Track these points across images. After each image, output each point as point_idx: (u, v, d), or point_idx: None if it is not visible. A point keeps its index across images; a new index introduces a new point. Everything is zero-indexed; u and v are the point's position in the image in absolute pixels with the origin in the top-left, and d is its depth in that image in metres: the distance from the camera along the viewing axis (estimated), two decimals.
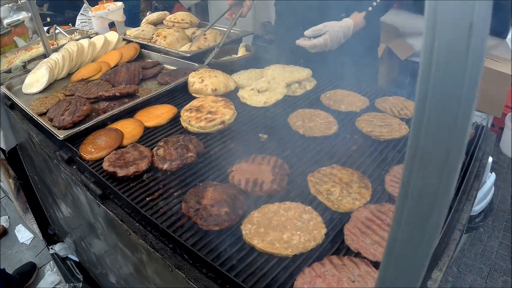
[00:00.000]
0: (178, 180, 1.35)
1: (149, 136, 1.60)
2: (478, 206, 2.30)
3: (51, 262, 2.51)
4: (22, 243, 2.68)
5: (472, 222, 2.38)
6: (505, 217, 2.94)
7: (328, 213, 1.19)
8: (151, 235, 1.21)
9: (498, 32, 3.12)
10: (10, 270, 2.40)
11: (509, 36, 3.15)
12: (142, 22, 2.45)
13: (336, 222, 1.17)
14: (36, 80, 2.00)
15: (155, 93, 1.75)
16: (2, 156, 2.22)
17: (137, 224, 1.25)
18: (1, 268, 2.25)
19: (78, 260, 2.41)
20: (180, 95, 1.84)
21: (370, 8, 1.83)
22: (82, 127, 1.60)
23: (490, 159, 2.24)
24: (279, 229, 1.11)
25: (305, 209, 1.17)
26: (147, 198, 1.29)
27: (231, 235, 1.14)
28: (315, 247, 1.07)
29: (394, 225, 0.48)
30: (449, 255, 1.15)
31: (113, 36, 2.26)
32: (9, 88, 1.98)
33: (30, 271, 2.45)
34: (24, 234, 2.71)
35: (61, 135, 1.57)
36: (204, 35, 2.25)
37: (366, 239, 1.09)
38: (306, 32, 1.77)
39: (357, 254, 1.06)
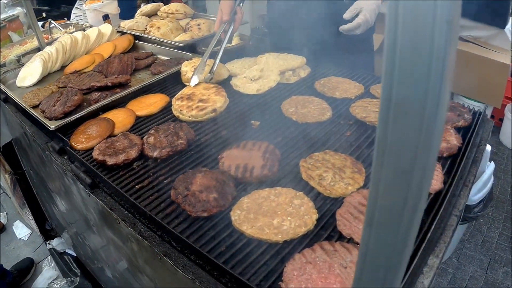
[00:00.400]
0: (168, 167, 1.32)
1: (141, 125, 1.57)
2: (477, 196, 2.25)
3: (49, 257, 2.48)
4: (20, 239, 2.65)
5: (472, 212, 2.34)
6: (505, 208, 2.89)
7: (320, 199, 1.16)
8: (140, 223, 1.17)
9: (497, 22, 3.06)
10: (8, 266, 2.38)
11: (508, 26, 3.09)
12: (136, 13, 2.42)
13: (328, 208, 1.13)
14: (29, 73, 1.97)
15: (146, 82, 1.71)
16: None
17: (126, 212, 1.22)
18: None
19: (75, 255, 2.38)
20: (173, 84, 1.81)
21: None
22: (73, 117, 1.57)
23: (489, 148, 2.19)
24: (269, 215, 1.07)
25: (296, 195, 1.14)
26: (136, 186, 1.26)
27: (220, 221, 1.10)
28: (306, 233, 1.03)
29: (372, 190, 0.43)
30: (446, 241, 1.11)
31: (107, 28, 2.23)
32: (3, 82, 1.95)
33: (28, 267, 2.42)
34: (22, 230, 2.68)
35: (52, 125, 1.54)
36: (198, 24, 2.21)
37: (359, 224, 1.05)
38: (345, 15, 1.70)
39: (350, 240, 1.03)
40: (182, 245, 1.06)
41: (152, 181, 1.27)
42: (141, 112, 1.59)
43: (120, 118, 1.57)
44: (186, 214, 1.12)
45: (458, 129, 1.49)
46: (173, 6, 2.31)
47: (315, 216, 1.07)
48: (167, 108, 1.63)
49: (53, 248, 2.41)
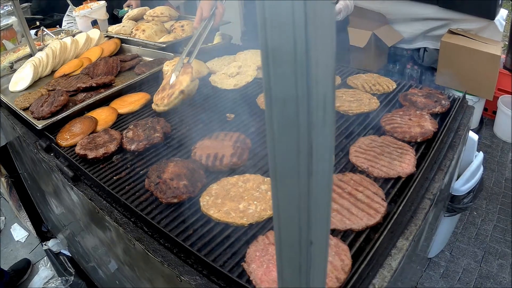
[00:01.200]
0: (145, 159, 1.39)
1: (123, 121, 1.65)
2: (466, 186, 2.28)
3: (45, 258, 2.57)
4: (17, 241, 2.75)
5: (461, 203, 2.37)
6: (499, 200, 2.91)
7: None
8: (116, 211, 1.24)
9: (487, 14, 3.10)
10: (5, 267, 2.47)
11: (497, 17, 3.13)
12: (124, 18, 2.51)
13: None
14: (21, 78, 2.07)
15: (128, 82, 1.80)
16: None
17: (104, 202, 1.29)
18: None
19: (70, 255, 2.46)
20: (156, 83, 1.89)
21: None
22: (59, 116, 1.66)
23: (476, 137, 2.24)
24: (236, 200, 1.14)
25: (264, 180, 1.20)
26: (114, 177, 1.34)
27: (190, 207, 1.17)
28: (271, 216, 1.09)
29: (268, 140, 0.45)
30: (417, 224, 1.15)
31: (95, 33, 2.33)
32: None
33: (25, 267, 2.51)
34: (19, 232, 2.78)
35: (39, 124, 1.63)
36: (182, 26, 2.30)
37: None
38: None
39: None
40: (152, 230, 1.13)
41: (129, 173, 1.35)
42: (123, 110, 1.67)
43: (103, 116, 1.65)
44: (158, 201, 1.20)
45: (436, 116, 1.54)
46: (158, 9, 2.40)
47: None
48: (148, 105, 1.71)
49: (49, 249, 2.50)
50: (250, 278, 0.93)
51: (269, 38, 0.39)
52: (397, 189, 1.19)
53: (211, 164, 1.27)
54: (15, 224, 2.84)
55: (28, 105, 1.84)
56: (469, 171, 2.26)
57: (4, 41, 2.53)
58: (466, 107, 1.68)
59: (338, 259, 0.95)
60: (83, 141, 1.49)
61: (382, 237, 1.00)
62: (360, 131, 1.46)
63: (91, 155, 1.41)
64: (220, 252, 1.02)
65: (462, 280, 2.42)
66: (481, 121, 3.63)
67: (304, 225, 0.48)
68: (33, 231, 2.63)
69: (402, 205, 1.10)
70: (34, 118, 1.68)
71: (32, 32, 2.69)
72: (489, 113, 3.69)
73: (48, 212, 2.41)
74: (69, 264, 2.41)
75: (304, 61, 0.38)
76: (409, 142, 1.38)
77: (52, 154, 1.61)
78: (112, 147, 1.42)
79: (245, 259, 0.99)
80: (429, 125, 1.44)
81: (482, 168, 2.37)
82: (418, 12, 3.14)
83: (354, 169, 1.28)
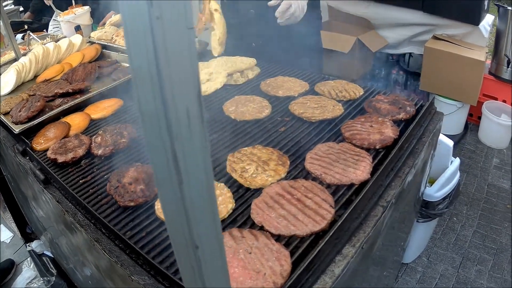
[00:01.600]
0: (111, 164, 1.47)
1: (95, 126, 1.73)
2: (441, 192, 2.34)
3: (29, 258, 2.66)
4: (3, 241, 2.84)
5: (436, 209, 2.43)
6: (480, 206, 2.96)
7: (242, 190, 1.28)
8: (80, 213, 1.32)
9: (471, 19, 3.16)
10: None
11: (482, 23, 3.18)
12: (106, 23, 2.60)
13: (248, 198, 1.25)
14: (5, 83, 2.15)
15: (103, 88, 1.88)
16: None
17: (70, 204, 1.37)
18: None
19: (52, 256, 2.55)
20: (129, 89, 1.97)
21: None
22: (35, 121, 1.74)
23: (451, 143, 2.30)
24: None
25: (217, 185, 1.27)
26: (80, 181, 1.42)
27: (145, 210, 1.24)
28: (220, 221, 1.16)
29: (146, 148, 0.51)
30: (366, 231, 1.20)
31: (77, 38, 2.41)
32: None
33: (9, 268, 2.60)
34: (5, 233, 2.88)
35: (16, 129, 1.72)
36: None
37: (271, 213, 1.16)
38: (270, 3, 1.82)
39: (261, 228, 1.15)
40: (109, 232, 1.21)
41: (94, 176, 1.43)
42: (96, 115, 1.76)
43: (77, 121, 1.73)
44: (118, 205, 1.27)
45: (400, 122, 1.60)
46: None
47: (231, 205, 1.20)
48: (121, 111, 1.79)
49: (32, 250, 2.59)
50: None
51: (133, 59, 0.45)
52: (348, 196, 1.25)
53: None
54: (1, 225, 2.93)
55: (9, 109, 1.92)
56: (443, 177, 2.32)
57: None
58: (434, 113, 1.73)
59: (278, 264, 1.01)
60: (54, 146, 1.57)
61: (323, 244, 1.04)
62: (320, 138, 1.52)
63: (60, 159, 1.49)
64: (168, 253, 1.10)
65: (438, 286, 2.47)
66: (466, 127, 3.69)
67: (186, 231, 0.55)
68: (18, 232, 2.72)
69: (349, 211, 1.15)
70: (13, 122, 1.77)
71: (19, 36, 2.78)
72: (474, 119, 3.74)
73: (31, 214, 2.49)
74: (51, 265, 2.49)
75: (157, 80, 0.44)
76: (368, 149, 1.44)
77: (27, 158, 1.69)
78: (81, 152, 1.50)
79: None
80: (390, 132, 1.50)
81: (458, 174, 2.43)
82: (403, 17, 3.20)
83: (308, 175, 1.34)
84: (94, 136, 1.58)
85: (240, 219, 1.19)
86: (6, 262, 2.63)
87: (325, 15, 3.48)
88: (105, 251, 1.17)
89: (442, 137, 2.12)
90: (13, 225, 2.70)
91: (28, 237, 2.72)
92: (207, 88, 1.81)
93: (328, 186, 1.28)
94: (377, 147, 1.45)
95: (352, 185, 1.28)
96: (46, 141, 1.65)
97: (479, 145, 3.53)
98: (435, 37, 3.29)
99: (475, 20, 3.14)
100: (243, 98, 1.75)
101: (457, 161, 2.41)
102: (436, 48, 3.15)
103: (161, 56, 0.44)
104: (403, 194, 1.49)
